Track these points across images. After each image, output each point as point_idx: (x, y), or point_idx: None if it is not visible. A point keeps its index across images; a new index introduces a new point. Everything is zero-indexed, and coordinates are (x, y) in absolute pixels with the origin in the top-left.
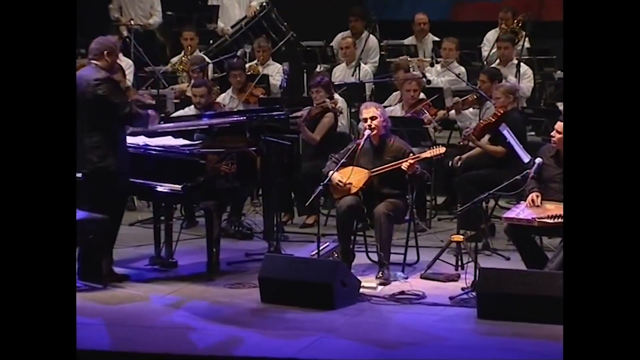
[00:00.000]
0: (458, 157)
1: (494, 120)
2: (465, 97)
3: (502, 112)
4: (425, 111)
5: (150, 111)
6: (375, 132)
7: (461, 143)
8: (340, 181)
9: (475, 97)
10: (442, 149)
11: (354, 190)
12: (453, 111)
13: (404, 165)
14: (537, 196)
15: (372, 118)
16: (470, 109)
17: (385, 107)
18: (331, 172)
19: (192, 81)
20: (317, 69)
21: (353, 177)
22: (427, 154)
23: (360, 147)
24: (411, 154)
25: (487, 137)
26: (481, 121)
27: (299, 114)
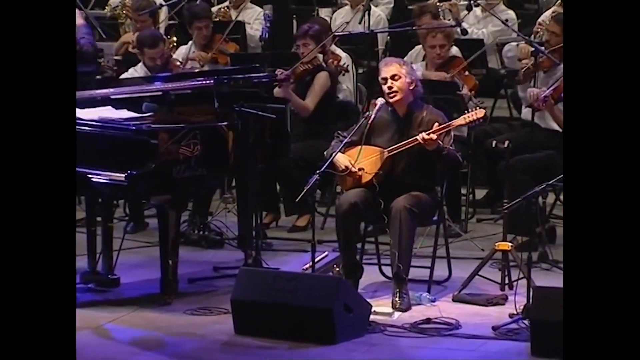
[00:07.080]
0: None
1: None
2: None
3: None
4: (460, 80)
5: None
6: (397, 97)
7: (536, 106)
8: (347, 166)
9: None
10: (482, 112)
11: (367, 178)
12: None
13: (420, 138)
14: None
15: (394, 77)
16: None
17: None
18: (333, 154)
19: (137, 33)
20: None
21: (363, 159)
22: (461, 120)
23: (371, 120)
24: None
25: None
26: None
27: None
